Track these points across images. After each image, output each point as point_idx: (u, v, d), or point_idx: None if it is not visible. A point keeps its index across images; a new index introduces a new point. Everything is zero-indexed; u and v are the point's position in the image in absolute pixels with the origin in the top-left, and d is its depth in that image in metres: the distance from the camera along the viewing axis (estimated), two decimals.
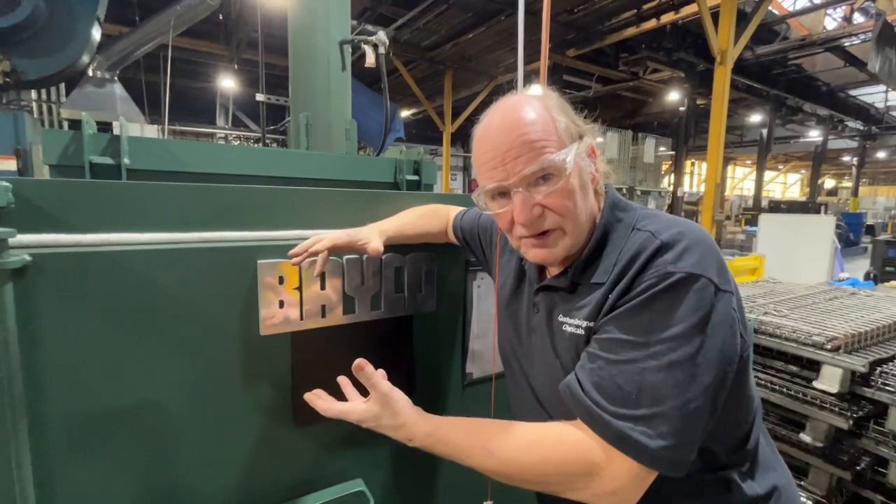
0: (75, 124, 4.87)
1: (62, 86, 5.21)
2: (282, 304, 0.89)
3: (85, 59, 3.37)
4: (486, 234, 0.99)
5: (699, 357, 0.56)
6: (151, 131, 5.44)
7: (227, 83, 10.40)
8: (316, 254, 0.85)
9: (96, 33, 3.26)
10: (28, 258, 0.68)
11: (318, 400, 0.78)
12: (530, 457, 0.61)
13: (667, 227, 0.64)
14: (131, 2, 5.90)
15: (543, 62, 1.49)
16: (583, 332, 0.67)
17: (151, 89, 6.95)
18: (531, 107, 0.67)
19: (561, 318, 0.71)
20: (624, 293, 0.62)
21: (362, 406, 0.72)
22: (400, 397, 0.70)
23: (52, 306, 0.71)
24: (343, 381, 0.79)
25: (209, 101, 11.70)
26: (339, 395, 1.00)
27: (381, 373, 0.72)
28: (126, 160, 1.26)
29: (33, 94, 4.64)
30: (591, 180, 0.70)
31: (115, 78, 5.22)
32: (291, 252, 0.85)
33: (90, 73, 4.98)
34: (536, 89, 0.71)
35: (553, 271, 0.77)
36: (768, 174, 23.77)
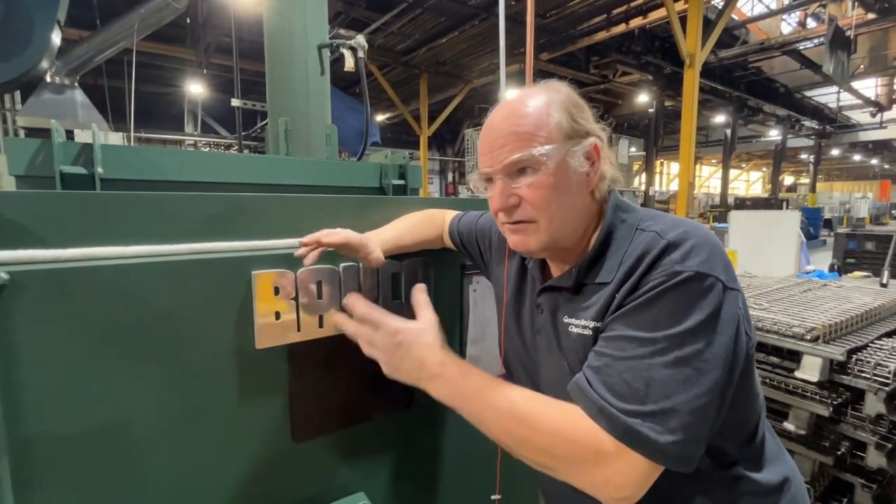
0: (33, 132, 4.64)
1: (17, 93, 4.95)
2: (278, 316, 0.86)
3: (43, 64, 3.20)
4: (483, 236, 0.98)
5: (707, 353, 0.57)
6: (116, 139, 5.21)
7: (196, 88, 10.10)
8: (328, 246, 0.83)
9: (55, 37, 3.11)
10: (5, 276, 0.62)
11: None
12: (544, 423, 0.61)
13: (672, 226, 0.65)
14: (92, 5, 5.66)
15: (529, 64, 1.50)
16: (590, 333, 0.67)
17: (114, 95, 6.68)
18: (533, 100, 0.68)
19: (566, 320, 0.71)
20: (631, 292, 0.63)
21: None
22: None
23: (33, 326, 0.66)
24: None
25: (177, 106, 11.35)
26: (338, 404, 0.98)
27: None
28: (100, 169, 1.20)
29: None
30: (587, 181, 0.70)
31: (75, 84, 4.99)
32: (302, 241, 0.82)
33: (48, 78, 4.75)
34: (553, 83, 0.72)
35: (556, 271, 0.77)
36: (732, 172, 24.72)
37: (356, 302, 0.78)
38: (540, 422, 0.61)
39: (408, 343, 0.70)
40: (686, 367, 0.56)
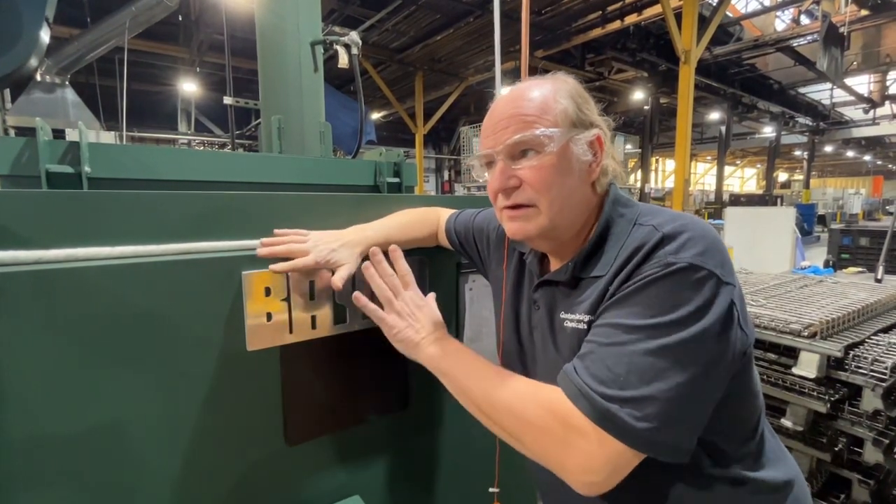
0: (23, 132, 4.58)
1: (7, 92, 4.88)
2: (269, 317, 0.84)
3: (32, 62, 3.16)
4: (481, 234, 0.97)
5: (693, 344, 0.55)
6: (108, 138, 5.15)
7: (189, 87, 10.01)
8: (298, 270, 0.83)
9: (45, 35, 3.06)
10: None
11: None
12: (517, 401, 0.64)
13: (669, 220, 0.64)
14: (82, 2, 5.59)
15: (524, 61, 1.48)
16: (584, 327, 0.66)
17: (106, 94, 6.61)
18: (540, 87, 0.69)
19: (562, 315, 0.70)
20: (623, 283, 0.62)
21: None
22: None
23: (15, 329, 0.64)
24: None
25: (170, 105, 11.25)
26: (332, 406, 0.96)
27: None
28: (87, 168, 1.17)
29: None
30: (588, 171, 0.69)
31: (66, 82, 4.93)
32: (272, 250, 0.82)
33: (38, 77, 4.69)
34: (560, 75, 0.72)
35: (554, 265, 0.76)
36: (727, 169, 24.81)
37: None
38: (508, 401, 0.64)
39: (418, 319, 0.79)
40: (669, 356, 0.55)
